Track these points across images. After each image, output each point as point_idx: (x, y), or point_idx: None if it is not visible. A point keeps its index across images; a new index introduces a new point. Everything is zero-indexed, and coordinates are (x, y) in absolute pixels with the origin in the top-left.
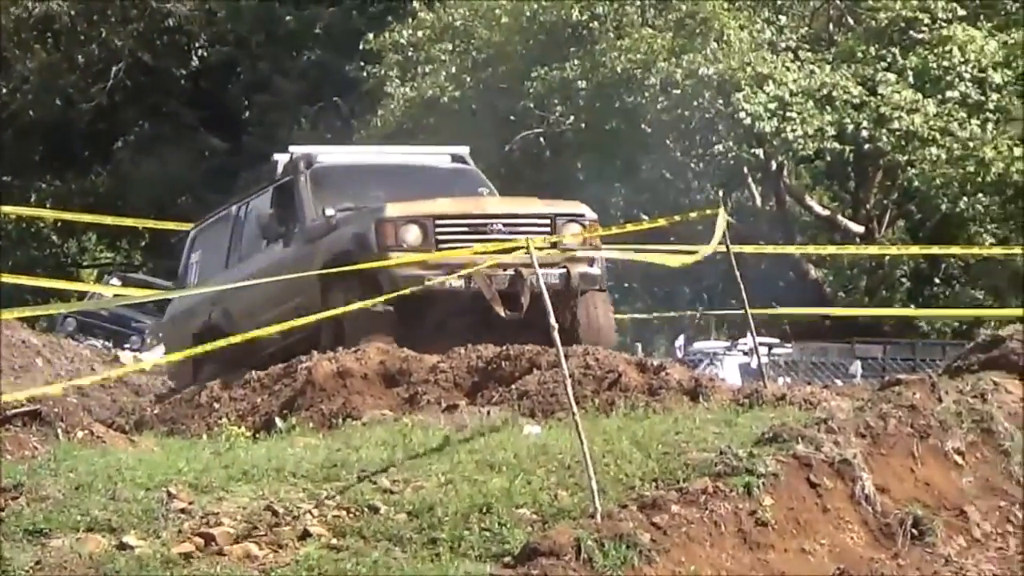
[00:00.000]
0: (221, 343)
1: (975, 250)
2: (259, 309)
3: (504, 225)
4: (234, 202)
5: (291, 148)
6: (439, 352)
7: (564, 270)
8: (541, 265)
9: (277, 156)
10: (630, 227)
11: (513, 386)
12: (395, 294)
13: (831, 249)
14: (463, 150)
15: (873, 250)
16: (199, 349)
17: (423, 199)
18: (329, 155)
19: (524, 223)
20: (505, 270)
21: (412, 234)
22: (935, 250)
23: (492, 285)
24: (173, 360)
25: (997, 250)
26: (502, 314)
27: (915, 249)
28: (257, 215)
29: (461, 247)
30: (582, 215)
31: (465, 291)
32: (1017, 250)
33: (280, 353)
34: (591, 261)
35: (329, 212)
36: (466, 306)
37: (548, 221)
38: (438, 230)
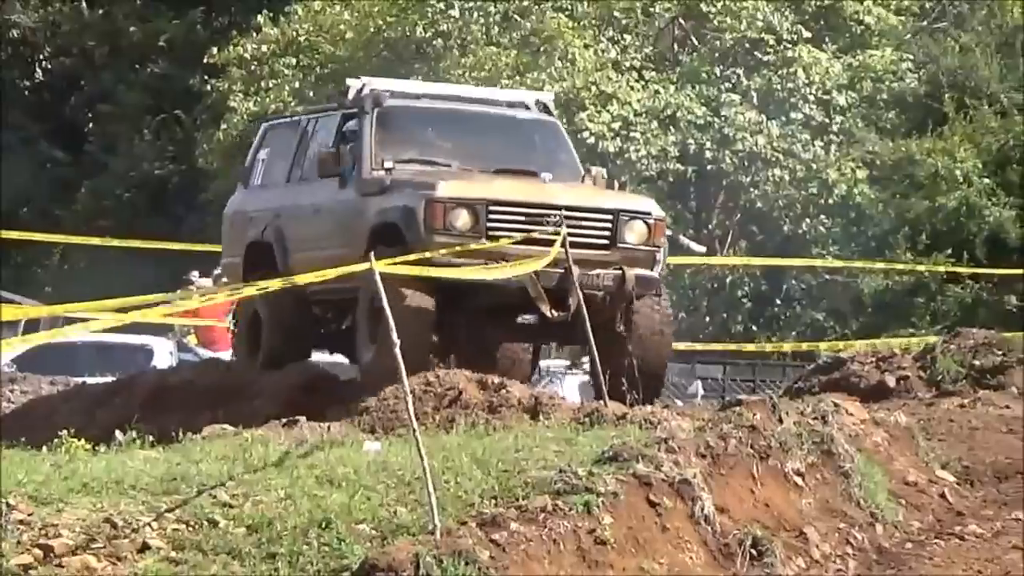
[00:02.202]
0: (262, 285)
1: (899, 266)
2: (308, 244)
3: (563, 219)
4: (306, 112)
5: (364, 80)
6: (478, 348)
7: (619, 271)
8: (595, 265)
9: (351, 82)
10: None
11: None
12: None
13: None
14: (547, 97)
15: (799, 262)
16: (248, 290)
17: (494, 158)
18: (402, 94)
19: (584, 216)
20: (555, 266)
21: (462, 219)
22: (860, 264)
23: (539, 283)
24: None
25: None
26: (548, 314)
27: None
28: (319, 146)
29: (513, 236)
30: (648, 213)
31: (510, 286)
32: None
33: (325, 305)
34: (651, 263)
35: (388, 164)
36: (511, 302)
37: (610, 217)
38: (490, 216)
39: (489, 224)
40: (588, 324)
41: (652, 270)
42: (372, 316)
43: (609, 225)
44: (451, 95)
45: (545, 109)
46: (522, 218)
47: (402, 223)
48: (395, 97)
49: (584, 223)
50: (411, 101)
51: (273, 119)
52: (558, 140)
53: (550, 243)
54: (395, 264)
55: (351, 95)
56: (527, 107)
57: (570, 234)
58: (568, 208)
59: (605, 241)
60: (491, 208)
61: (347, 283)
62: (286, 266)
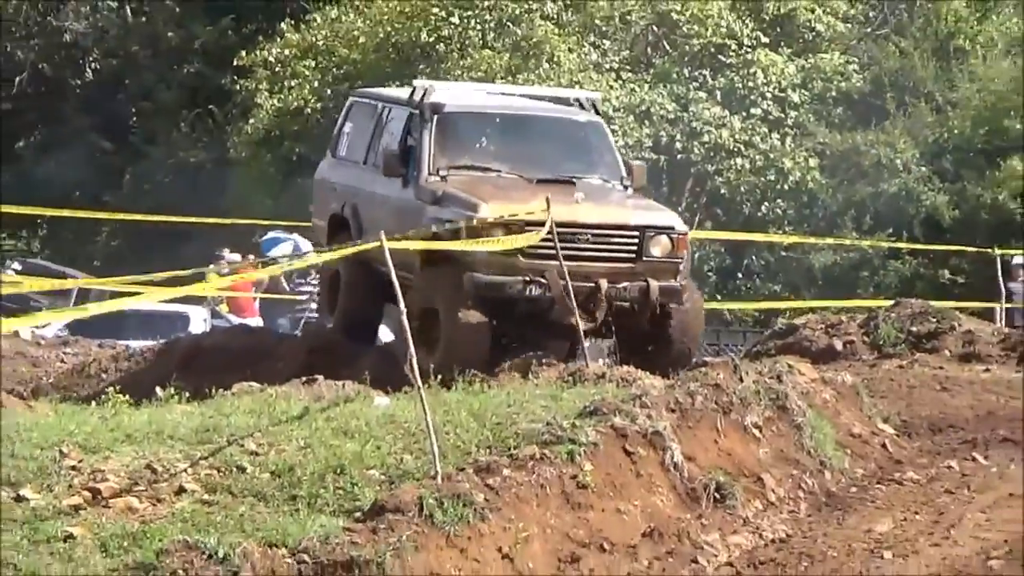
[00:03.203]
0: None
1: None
2: (377, 229)
3: (593, 236)
4: (383, 100)
5: (428, 83)
6: (525, 347)
7: (644, 283)
8: (623, 277)
9: (417, 83)
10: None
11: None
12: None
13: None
14: (596, 96)
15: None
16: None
17: (541, 163)
18: (461, 98)
19: (612, 234)
20: (586, 280)
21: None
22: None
23: (570, 296)
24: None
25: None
26: (578, 324)
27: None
28: (389, 137)
29: (547, 254)
30: (672, 227)
31: (544, 299)
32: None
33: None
34: (674, 274)
35: (443, 172)
36: (546, 312)
37: (637, 234)
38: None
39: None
40: (613, 327)
41: (676, 280)
42: (424, 324)
43: (636, 241)
44: (508, 95)
45: (593, 108)
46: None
47: (448, 239)
48: (454, 102)
49: (613, 240)
50: (468, 107)
51: (358, 93)
52: (603, 140)
53: (580, 256)
54: (403, 241)
55: (417, 96)
56: (581, 104)
57: (600, 249)
58: (598, 226)
59: (632, 255)
60: (527, 229)
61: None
62: (360, 242)
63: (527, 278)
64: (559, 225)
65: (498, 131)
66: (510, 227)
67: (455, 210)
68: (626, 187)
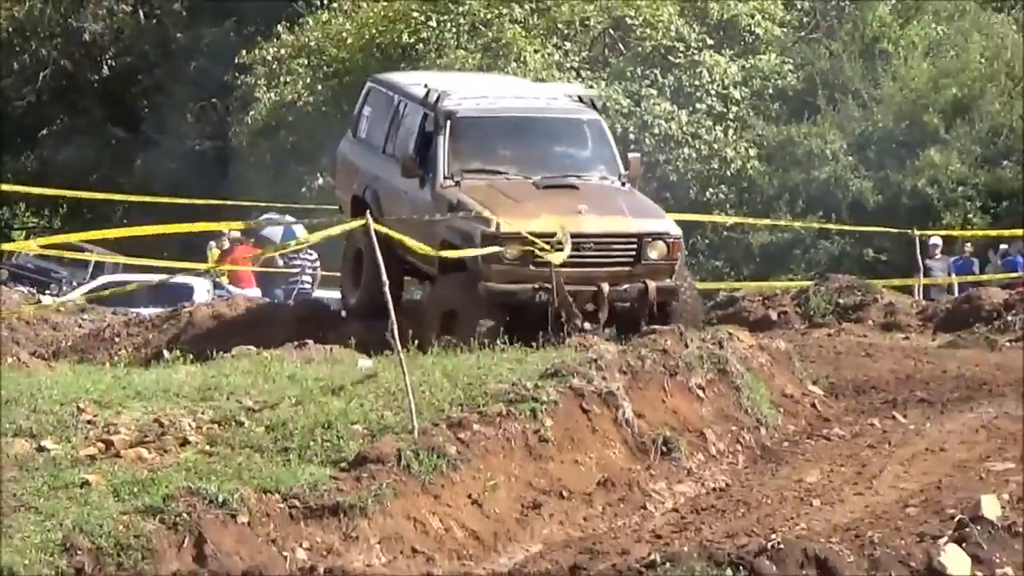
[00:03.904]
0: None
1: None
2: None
3: (596, 244)
4: (399, 92)
5: (441, 86)
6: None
7: (643, 285)
8: (623, 279)
9: (430, 84)
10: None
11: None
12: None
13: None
14: (593, 93)
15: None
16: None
17: (548, 163)
18: (470, 100)
19: (613, 241)
20: (589, 284)
21: (511, 250)
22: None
23: (574, 300)
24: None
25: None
26: (583, 326)
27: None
28: (405, 133)
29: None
30: (667, 233)
31: (552, 303)
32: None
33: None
34: (670, 274)
35: (457, 177)
36: (554, 314)
37: (635, 241)
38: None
39: (536, 252)
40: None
41: (671, 279)
42: (444, 323)
43: (634, 247)
44: (514, 94)
45: (592, 106)
46: (560, 246)
47: (463, 246)
48: (465, 106)
49: (614, 247)
50: (479, 111)
51: (376, 80)
52: (603, 137)
53: (584, 262)
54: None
55: (431, 98)
56: (582, 101)
57: (602, 256)
58: (601, 236)
59: (631, 259)
60: (537, 239)
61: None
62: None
63: (536, 285)
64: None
65: (506, 133)
66: (523, 241)
67: (469, 222)
68: (623, 183)
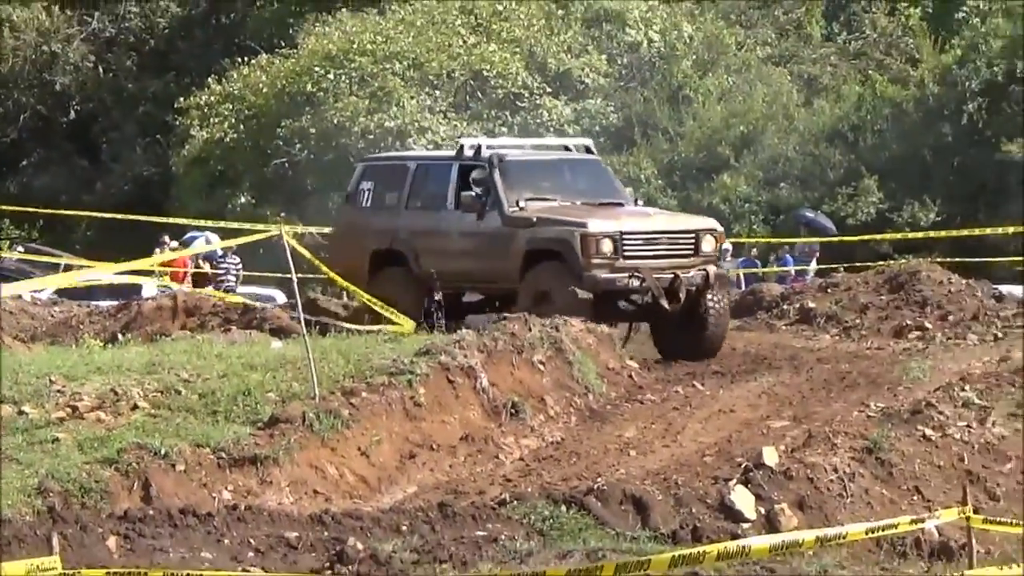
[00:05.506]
0: None
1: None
2: (447, 256)
3: (668, 239)
4: (410, 159)
5: (478, 141)
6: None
7: (704, 271)
8: (689, 268)
9: (466, 141)
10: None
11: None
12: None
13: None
14: (589, 142)
15: None
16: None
17: (580, 193)
18: (508, 150)
19: (679, 237)
20: (666, 272)
21: (607, 246)
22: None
23: (659, 284)
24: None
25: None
26: (666, 305)
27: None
28: (444, 185)
29: (638, 255)
30: (715, 229)
31: (641, 288)
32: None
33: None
34: (717, 263)
35: (522, 204)
36: (641, 298)
37: (694, 235)
38: (624, 242)
39: (624, 247)
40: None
41: (722, 268)
42: (536, 302)
43: (694, 240)
44: (537, 145)
45: (588, 151)
46: (641, 242)
47: (562, 248)
48: (508, 153)
49: (681, 241)
50: (520, 156)
51: (370, 160)
52: (607, 174)
53: (659, 255)
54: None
55: (469, 152)
56: (589, 150)
57: (671, 248)
58: (672, 232)
59: (691, 251)
60: (625, 237)
61: (503, 284)
62: (419, 268)
63: (629, 274)
64: (646, 234)
65: (543, 172)
66: (614, 239)
67: (562, 229)
68: (637, 202)
